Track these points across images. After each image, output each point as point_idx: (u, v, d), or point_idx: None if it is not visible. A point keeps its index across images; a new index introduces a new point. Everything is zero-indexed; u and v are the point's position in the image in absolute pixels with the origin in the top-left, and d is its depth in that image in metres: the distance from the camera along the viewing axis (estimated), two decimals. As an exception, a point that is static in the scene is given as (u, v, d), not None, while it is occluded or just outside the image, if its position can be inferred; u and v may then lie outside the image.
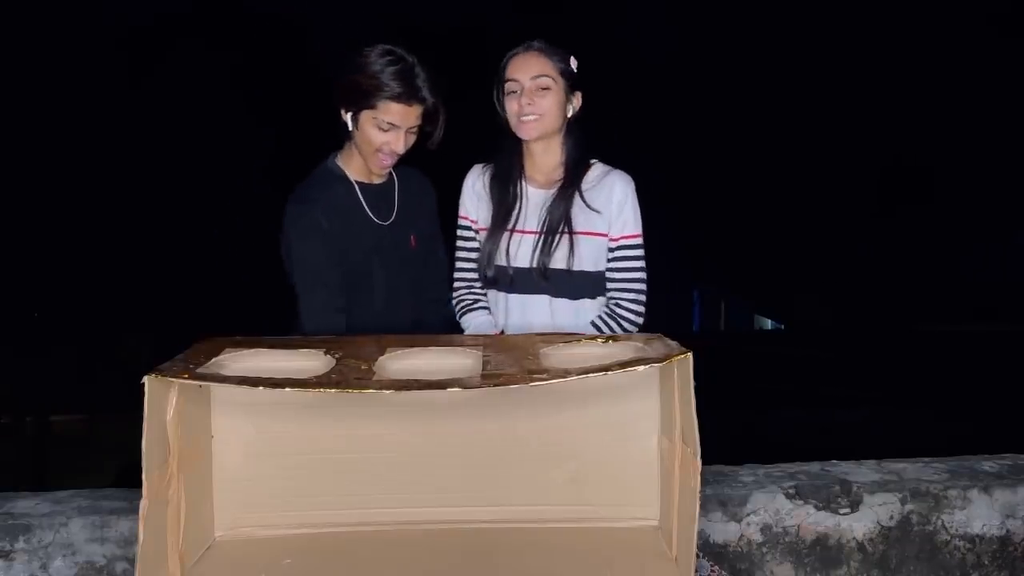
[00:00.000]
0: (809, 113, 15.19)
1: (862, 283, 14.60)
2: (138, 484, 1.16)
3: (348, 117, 1.82)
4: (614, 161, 1.95)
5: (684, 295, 18.28)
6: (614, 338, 1.42)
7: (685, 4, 15.89)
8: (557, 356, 1.36)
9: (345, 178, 1.90)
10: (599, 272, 1.88)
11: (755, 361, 11.27)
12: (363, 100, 1.76)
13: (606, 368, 1.21)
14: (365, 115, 1.78)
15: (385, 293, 1.90)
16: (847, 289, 14.65)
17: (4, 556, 1.70)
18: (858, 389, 9.91)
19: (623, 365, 1.21)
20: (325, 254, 1.84)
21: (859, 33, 15.63)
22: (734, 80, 15.40)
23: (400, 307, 1.92)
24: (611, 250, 1.88)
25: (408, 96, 1.75)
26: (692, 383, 1.22)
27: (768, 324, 17.38)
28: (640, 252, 1.88)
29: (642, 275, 1.88)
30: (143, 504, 1.16)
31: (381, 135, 1.79)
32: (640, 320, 1.87)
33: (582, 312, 1.87)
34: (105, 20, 11.97)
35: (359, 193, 1.90)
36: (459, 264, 1.96)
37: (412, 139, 1.83)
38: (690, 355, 1.23)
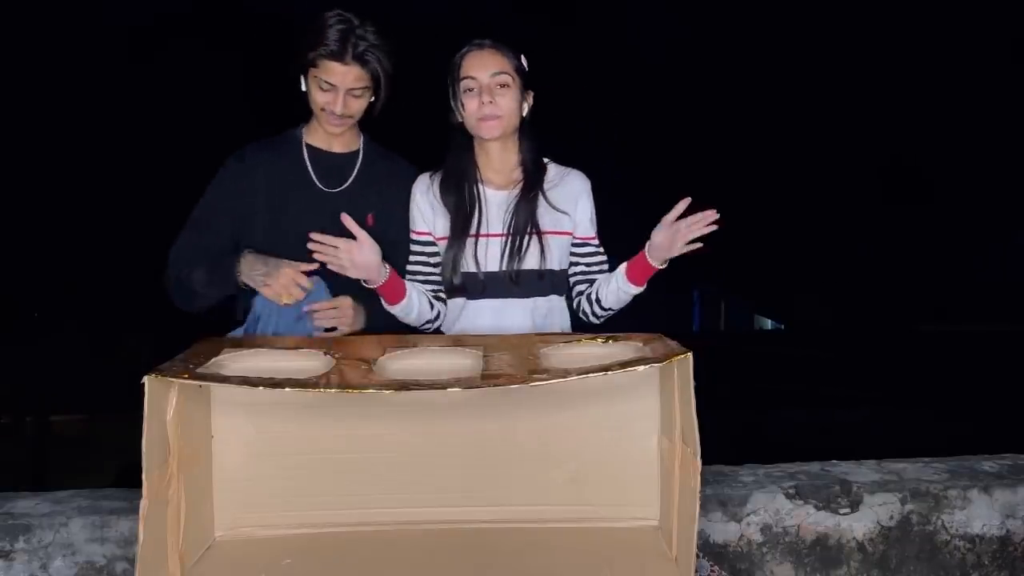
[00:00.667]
0: (809, 113, 15.18)
1: (862, 283, 14.59)
2: (138, 484, 1.16)
3: (303, 80, 1.84)
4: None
5: (684, 295, 18.27)
6: (614, 338, 1.42)
7: (686, 5, 15.90)
8: (557, 356, 1.36)
9: (298, 142, 1.91)
10: (564, 270, 1.87)
11: (755, 361, 11.27)
12: (307, 57, 1.78)
13: (606, 368, 1.21)
14: (311, 75, 1.80)
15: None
16: (847, 289, 14.64)
17: (4, 556, 1.70)
18: (858, 389, 9.90)
19: (623, 365, 1.22)
20: (226, 208, 1.86)
21: (859, 33, 15.63)
22: (734, 80, 15.39)
23: (344, 283, 1.85)
24: (578, 246, 1.88)
25: (343, 54, 1.75)
26: (692, 383, 1.22)
27: (768, 324, 17.38)
28: (602, 247, 1.92)
29: (608, 266, 1.92)
30: (143, 504, 1.16)
31: (321, 95, 1.80)
32: None
33: (553, 312, 1.86)
34: (105, 20, 11.98)
35: (306, 156, 1.90)
36: (411, 278, 1.85)
37: (356, 103, 1.82)
38: (690, 355, 1.23)
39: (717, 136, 15.00)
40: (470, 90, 1.76)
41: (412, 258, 1.87)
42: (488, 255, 1.80)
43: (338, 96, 1.78)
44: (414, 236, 1.87)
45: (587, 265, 1.89)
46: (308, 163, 1.89)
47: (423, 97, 2.01)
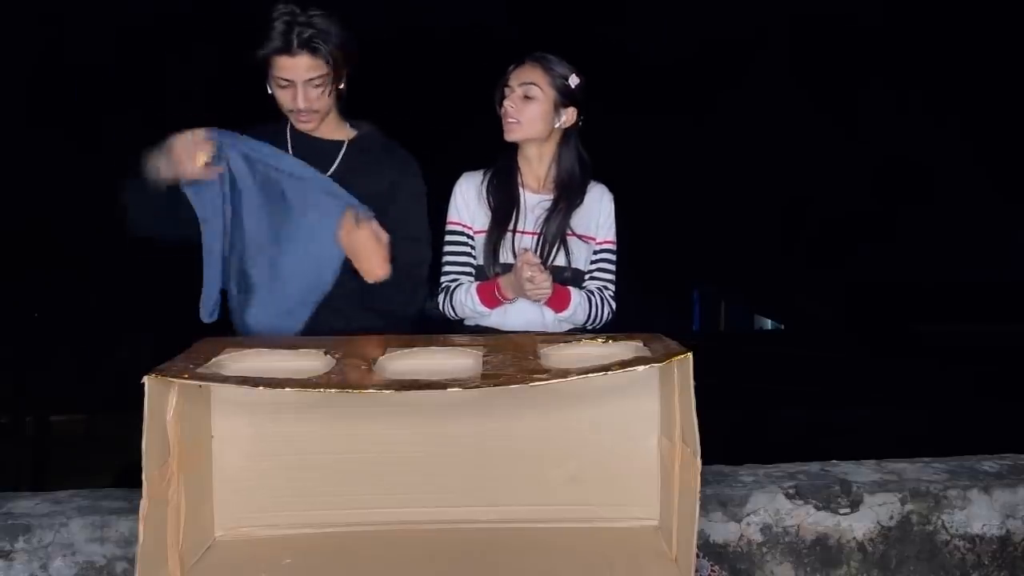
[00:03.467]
0: (809, 112, 15.19)
1: (862, 283, 14.60)
2: (138, 484, 1.16)
3: (268, 86, 1.80)
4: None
5: (684, 295, 18.29)
6: (614, 338, 1.42)
7: (684, 6, 15.90)
8: (557, 356, 1.36)
9: (284, 124, 1.86)
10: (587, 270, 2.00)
11: (755, 361, 11.27)
12: (259, 58, 1.74)
13: (606, 368, 1.21)
14: (270, 77, 1.77)
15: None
16: (847, 289, 14.65)
17: (4, 556, 1.70)
18: (858, 389, 9.90)
19: (623, 365, 1.21)
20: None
21: (859, 31, 15.63)
22: (734, 80, 15.40)
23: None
24: (594, 252, 2.00)
25: (288, 47, 1.71)
26: (692, 383, 1.22)
27: (768, 324, 17.38)
28: (615, 257, 2.03)
29: (614, 277, 2.03)
30: (143, 504, 1.15)
31: (282, 93, 1.77)
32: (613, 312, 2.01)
33: (578, 306, 1.95)
34: (105, 20, 11.98)
35: (289, 138, 1.85)
36: (448, 268, 1.98)
37: (317, 94, 1.77)
38: (690, 355, 1.23)
39: (718, 136, 15.00)
40: (505, 96, 1.92)
41: (449, 248, 1.98)
42: (521, 249, 1.92)
43: (296, 90, 1.75)
44: (453, 227, 1.97)
45: (600, 271, 2.01)
46: (291, 147, 1.85)
47: (432, 98, 2.03)
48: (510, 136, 1.92)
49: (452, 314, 1.95)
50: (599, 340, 1.42)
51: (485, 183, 1.97)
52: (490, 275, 1.92)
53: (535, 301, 1.87)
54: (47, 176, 10.92)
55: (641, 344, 1.37)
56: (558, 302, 1.89)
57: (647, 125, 13.99)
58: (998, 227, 15.49)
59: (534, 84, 1.89)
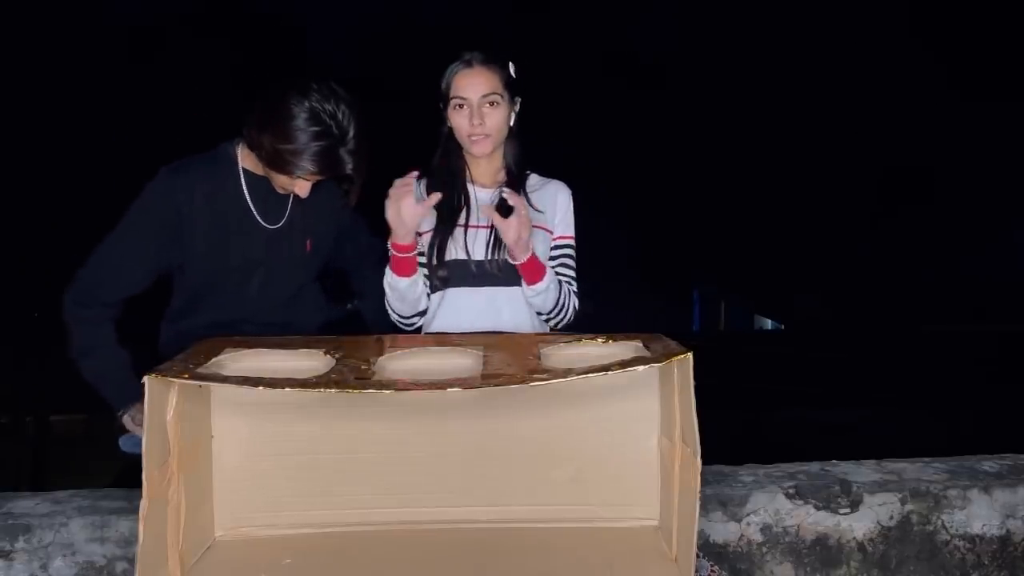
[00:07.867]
0: (809, 113, 15.19)
1: (862, 283, 14.60)
2: (138, 484, 1.16)
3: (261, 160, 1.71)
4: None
5: (684, 295, 18.29)
6: (614, 338, 1.42)
7: (684, 5, 15.90)
8: (557, 356, 1.36)
9: (233, 164, 1.80)
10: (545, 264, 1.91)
11: (755, 361, 11.26)
12: (279, 167, 1.67)
13: (606, 368, 1.21)
14: (278, 169, 1.69)
15: (267, 304, 1.87)
16: (847, 289, 14.64)
17: (4, 556, 1.70)
18: (858, 389, 9.90)
19: (623, 365, 1.21)
20: (151, 247, 1.79)
21: (859, 31, 15.63)
22: (733, 80, 15.40)
23: (292, 315, 1.90)
24: (553, 247, 1.92)
25: (325, 172, 1.67)
26: (692, 383, 1.22)
27: (768, 324, 17.38)
28: (575, 254, 1.94)
29: (575, 275, 1.95)
30: (143, 504, 1.16)
31: (288, 182, 1.71)
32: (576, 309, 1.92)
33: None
34: (106, 21, 11.98)
35: (244, 186, 1.80)
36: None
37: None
38: (690, 355, 1.23)
39: (717, 137, 15.00)
40: (460, 107, 1.79)
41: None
42: (476, 244, 1.85)
43: (308, 186, 1.71)
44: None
45: (556, 264, 1.92)
46: (247, 195, 1.81)
47: (422, 95, 2.01)
48: (482, 151, 1.81)
49: (395, 309, 1.86)
50: (599, 340, 1.42)
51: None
52: (435, 277, 1.84)
53: (513, 243, 1.74)
54: (47, 175, 10.92)
55: (641, 344, 1.37)
56: (533, 272, 1.79)
57: (648, 125, 13.98)
58: (997, 227, 15.49)
59: (495, 93, 1.77)
